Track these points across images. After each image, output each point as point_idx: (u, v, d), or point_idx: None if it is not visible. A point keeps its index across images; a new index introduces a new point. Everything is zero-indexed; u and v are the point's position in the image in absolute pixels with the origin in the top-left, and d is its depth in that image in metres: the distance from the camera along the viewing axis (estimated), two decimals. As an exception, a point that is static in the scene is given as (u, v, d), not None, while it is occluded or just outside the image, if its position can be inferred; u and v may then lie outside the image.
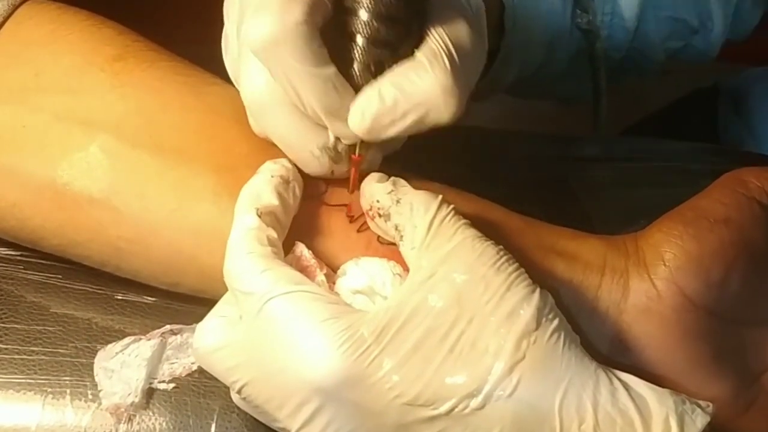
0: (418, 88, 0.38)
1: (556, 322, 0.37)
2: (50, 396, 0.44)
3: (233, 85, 0.45)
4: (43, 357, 0.45)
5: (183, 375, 0.44)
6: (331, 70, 0.38)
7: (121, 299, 0.47)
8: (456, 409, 0.35)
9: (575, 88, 0.67)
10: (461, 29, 0.40)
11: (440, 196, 0.39)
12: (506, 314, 0.36)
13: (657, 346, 0.41)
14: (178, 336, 0.44)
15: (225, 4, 0.42)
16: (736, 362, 0.41)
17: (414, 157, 0.44)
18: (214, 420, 0.44)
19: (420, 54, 0.39)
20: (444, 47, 0.39)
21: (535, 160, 0.55)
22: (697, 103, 0.84)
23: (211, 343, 0.38)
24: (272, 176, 0.41)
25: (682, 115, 0.86)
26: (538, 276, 0.41)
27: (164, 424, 0.44)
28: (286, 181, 0.41)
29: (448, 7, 0.41)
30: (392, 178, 0.41)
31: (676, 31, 0.66)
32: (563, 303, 0.41)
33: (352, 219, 0.43)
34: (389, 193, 0.40)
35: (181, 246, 0.43)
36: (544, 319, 0.36)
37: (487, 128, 0.60)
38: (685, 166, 0.56)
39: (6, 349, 0.45)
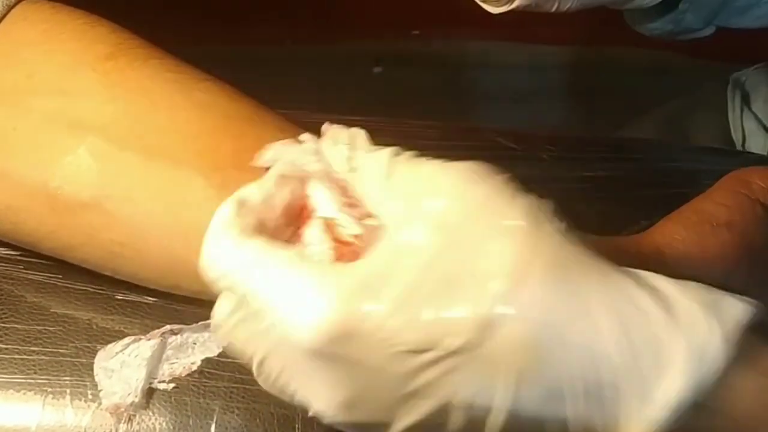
0: None
1: (555, 224, 0.34)
2: (50, 396, 0.44)
3: (225, 82, 0.45)
4: (43, 357, 0.45)
5: (183, 375, 0.44)
6: None
7: (122, 299, 0.47)
8: (464, 344, 0.31)
9: None
10: None
11: (391, 148, 0.37)
12: (500, 231, 0.33)
13: None
14: (178, 336, 0.44)
15: None
16: None
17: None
18: (214, 420, 0.44)
19: None
20: None
21: (535, 160, 0.55)
22: (701, 101, 0.84)
23: (224, 314, 0.36)
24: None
25: (684, 114, 0.86)
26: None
27: (164, 424, 0.44)
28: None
29: None
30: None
31: None
32: None
33: None
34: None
35: (174, 249, 0.43)
36: (543, 225, 0.33)
37: (488, 128, 0.60)
38: (686, 167, 0.56)
39: (6, 349, 0.45)
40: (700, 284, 0.34)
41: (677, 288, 0.33)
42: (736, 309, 0.33)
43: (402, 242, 0.33)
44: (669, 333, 0.32)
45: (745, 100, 0.81)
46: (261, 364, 0.35)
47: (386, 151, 0.37)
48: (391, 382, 0.32)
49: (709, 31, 0.64)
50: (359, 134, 0.39)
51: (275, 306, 0.33)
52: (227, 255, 0.36)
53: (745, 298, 0.33)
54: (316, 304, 0.32)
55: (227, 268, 0.35)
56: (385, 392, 0.33)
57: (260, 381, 0.37)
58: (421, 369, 0.32)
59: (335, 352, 0.32)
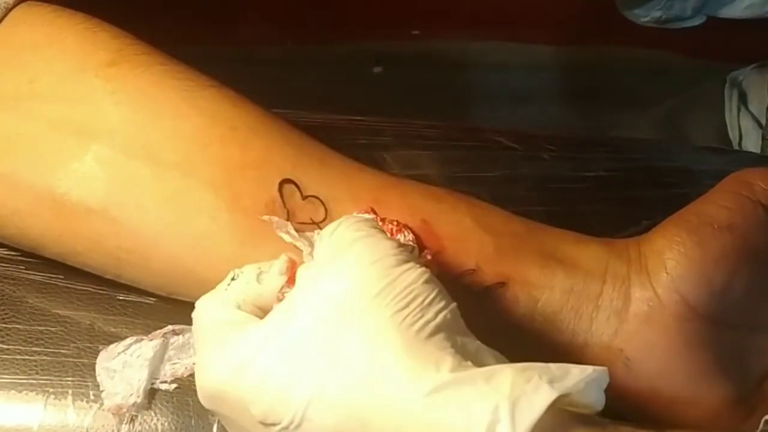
0: None
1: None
2: (52, 396, 0.44)
3: (229, 88, 0.45)
4: (45, 357, 0.45)
5: (185, 375, 0.44)
6: None
7: (123, 300, 0.47)
8: (288, 423, 0.34)
9: None
10: None
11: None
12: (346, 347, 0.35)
13: (659, 355, 0.40)
14: (180, 336, 0.44)
15: None
16: (738, 369, 0.41)
17: (416, 157, 0.44)
18: (216, 420, 0.44)
19: None
20: None
21: (536, 160, 0.55)
22: (701, 101, 0.84)
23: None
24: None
25: (684, 114, 0.86)
26: (538, 285, 0.41)
27: (166, 424, 0.44)
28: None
29: None
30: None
31: None
32: (564, 310, 0.41)
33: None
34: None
35: (180, 258, 0.43)
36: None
37: (488, 128, 0.60)
38: (686, 166, 0.56)
39: (8, 349, 0.45)
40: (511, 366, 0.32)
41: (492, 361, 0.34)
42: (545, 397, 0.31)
43: (282, 321, 0.35)
44: None
45: (742, 100, 0.81)
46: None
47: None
48: None
49: (698, 20, 0.64)
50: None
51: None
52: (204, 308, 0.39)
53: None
54: (205, 368, 0.36)
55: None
56: None
57: None
58: None
59: (216, 410, 0.37)
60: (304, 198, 0.43)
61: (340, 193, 0.44)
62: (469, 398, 0.31)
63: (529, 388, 0.31)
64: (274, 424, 0.34)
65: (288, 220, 0.42)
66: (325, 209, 0.43)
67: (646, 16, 0.64)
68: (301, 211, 0.43)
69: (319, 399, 0.33)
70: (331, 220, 0.41)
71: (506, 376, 0.31)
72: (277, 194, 0.43)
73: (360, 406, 0.33)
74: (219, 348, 0.36)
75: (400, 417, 0.32)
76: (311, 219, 0.43)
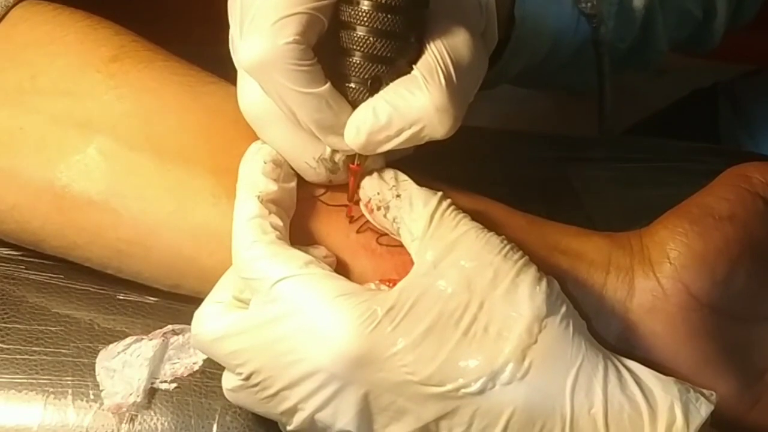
0: (412, 106, 0.38)
1: (564, 308, 0.37)
2: (52, 396, 0.44)
3: (231, 84, 0.45)
4: (44, 357, 0.45)
5: (185, 375, 0.44)
6: (325, 88, 0.38)
7: (123, 299, 0.47)
8: (468, 389, 0.36)
9: (580, 78, 0.66)
10: (461, 41, 0.40)
11: (440, 192, 0.40)
12: (517, 300, 0.37)
13: (663, 345, 0.41)
14: (180, 336, 0.44)
15: (228, 5, 0.43)
16: (741, 359, 0.41)
17: (415, 156, 0.44)
18: (216, 420, 0.44)
19: (417, 70, 0.39)
20: (441, 62, 0.39)
21: (536, 160, 0.55)
22: (697, 103, 0.85)
23: (212, 328, 0.38)
24: (264, 162, 0.41)
25: (682, 115, 0.86)
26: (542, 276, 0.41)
27: (166, 424, 0.44)
28: (278, 165, 0.41)
29: (449, 17, 0.40)
30: (393, 171, 0.42)
31: (682, 22, 0.65)
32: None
33: (351, 219, 0.43)
34: (390, 188, 0.41)
35: (181, 248, 0.43)
36: (553, 305, 0.37)
37: (488, 128, 0.60)
38: (685, 166, 0.56)
39: (8, 349, 0.45)
40: (677, 381, 0.38)
41: (659, 383, 0.37)
42: (705, 407, 0.37)
43: (431, 287, 0.37)
44: (649, 421, 0.36)
45: (735, 112, 0.81)
46: (251, 376, 0.38)
47: (434, 196, 0.40)
48: (398, 406, 0.37)
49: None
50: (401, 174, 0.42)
51: (304, 320, 0.37)
52: (259, 263, 0.38)
53: (709, 394, 0.38)
54: (346, 323, 0.36)
55: (259, 276, 0.38)
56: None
57: (232, 398, 0.40)
58: (427, 402, 0.36)
59: (357, 371, 0.36)
60: None
61: None
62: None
63: (692, 398, 0.37)
64: (437, 386, 0.36)
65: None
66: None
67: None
68: (302, 189, 0.43)
69: None
70: (333, 194, 0.43)
71: (672, 383, 0.37)
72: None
73: None
74: (350, 306, 0.37)
75: None
76: (312, 194, 0.43)
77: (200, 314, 0.39)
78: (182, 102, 0.45)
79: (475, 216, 0.43)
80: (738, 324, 0.41)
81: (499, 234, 0.39)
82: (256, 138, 0.43)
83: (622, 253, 0.42)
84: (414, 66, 0.39)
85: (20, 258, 0.49)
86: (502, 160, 0.54)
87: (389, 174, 0.41)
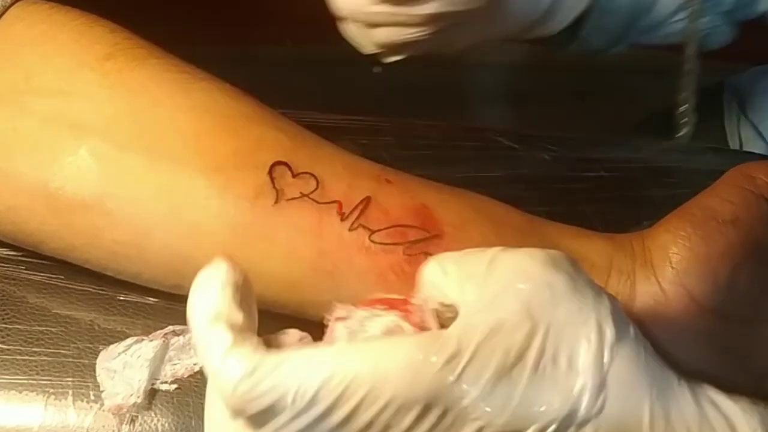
0: None
1: (632, 330, 0.34)
2: (52, 397, 0.44)
3: (223, 81, 0.45)
4: (45, 358, 0.45)
5: (185, 376, 0.44)
6: None
7: (123, 300, 0.47)
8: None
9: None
10: None
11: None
12: (583, 322, 0.33)
13: (664, 350, 0.40)
14: (181, 337, 0.44)
15: None
16: (743, 363, 0.41)
17: (416, 157, 0.44)
18: (217, 420, 0.44)
19: None
20: None
21: (537, 160, 0.55)
22: (701, 102, 0.84)
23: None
24: (225, 288, 0.36)
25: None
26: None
27: (166, 425, 0.44)
28: (239, 288, 0.36)
29: None
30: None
31: None
32: None
33: (343, 216, 0.42)
34: (446, 305, 0.36)
35: (176, 248, 0.43)
36: (621, 326, 0.34)
37: (488, 128, 0.60)
38: (686, 167, 0.56)
39: (8, 349, 0.45)
40: (755, 402, 0.35)
41: (736, 405, 0.34)
42: None
43: (491, 320, 0.33)
44: None
45: (742, 107, 0.80)
46: None
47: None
48: None
49: (619, 48, 0.65)
50: None
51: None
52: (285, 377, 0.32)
53: None
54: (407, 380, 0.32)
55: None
56: None
57: None
58: None
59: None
60: (295, 175, 0.43)
61: (337, 169, 0.44)
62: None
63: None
64: None
65: (277, 201, 0.42)
66: (317, 182, 0.43)
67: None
68: (290, 188, 0.42)
69: None
70: (323, 191, 0.41)
71: (751, 405, 0.35)
72: (267, 177, 0.42)
73: None
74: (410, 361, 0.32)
75: None
76: (301, 192, 0.42)
77: (232, 360, 0.33)
78: (174, 100, 0.45)
79: (475, 216, 0.43)
80: (739, 327, 0.41)
81: (499, 237, 0.39)
82: (246, 134, 0.43)
83: (623, 255, 0.42)
84: None
85: (20, 258, 0.49)
86: (501, 159, 0.54)
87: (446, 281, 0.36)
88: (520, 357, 0.32)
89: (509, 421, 0.32)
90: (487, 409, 0.32)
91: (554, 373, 0.33)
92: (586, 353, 0.33)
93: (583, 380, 0.33)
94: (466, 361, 0.32)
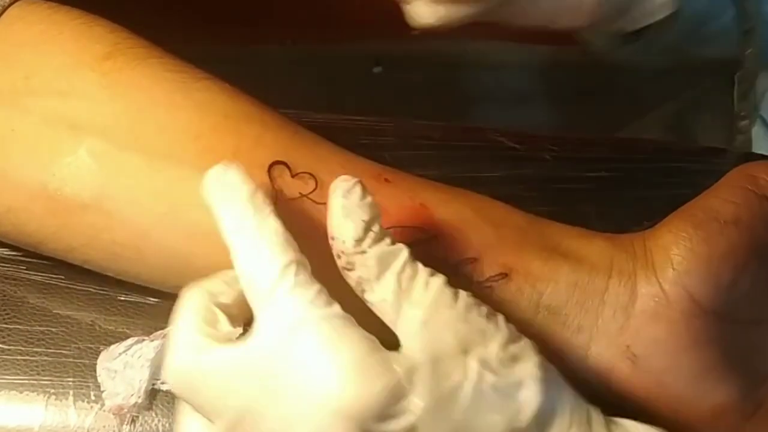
0: None
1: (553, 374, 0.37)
2: (53, 397, 0.44)
3: (223, 81, 0.45)
4: (45, 358, 0.45)
5: (186, 376, 0.44)
6: None
7: (124, 300, 0.47)
8: None
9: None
10: None
11: (405, 251, 0.37)
12: (511, 358, 0.36)
13: (665, 352, 0.40)
14: (182, 337, 0.44)
15: None
16: (744, 364, 0.41)
17: (416, 157, 0.44)
18: (217, 421, 0.44)
19: None
20: None
21: (537, 161, 0.55)
22: (705, 102, 0.84)
23: (193, 363, 0.36)
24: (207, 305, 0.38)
25: (685, 114, 0.86)
26: (542, 278, 0.41)
27: (167, 425, 0.44)
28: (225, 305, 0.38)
29: None
30: (367, 211, 0.38)
31: None
32: (569, 304, 0.41)
33: None
34: (356, 239, 0.37)
35: (176, 249, 0.43)
36: (549, 369, 0.37)
37: (489, 128, 0.60)
38: (687, 167, 0.56)
39: (9, 350, 0.45)
40: None
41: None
42: None
43: (433, 350, 0.35)
44: None
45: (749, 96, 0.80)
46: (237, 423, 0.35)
47: (398, 261, 0.37)
48: None
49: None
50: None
51: (325, 366, 0.34)
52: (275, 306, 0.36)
53: None
54: (369, 379, 0.34)
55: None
56: None
57: None
58: None
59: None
60: (294, 175, 0.43)
61: (336, 168, 0.43)
62: None
63: None
64: None
65: (276, 201, 0.42)
66: (316, 182, 0.43)
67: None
68: (289, 188, 0.43)
69: None
70: (322, 192, 0.41)
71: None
72: (266, 177, 0.42)
73: None
74: (373, 362, 0.34)
75: None
76: (300, 192, 0.42)
77: (179, 345, 0.37)
78: (173, 99, 0.45)
79: (475, 216, 0.43)
80: (741, 328, 0.41)
81: (500, 237, 0.39)
82: (246, 134, 0.43)
83: (624, 257, 0.42)
84: None
85: (21, 258, 0.49)
86: (502, 159, 0.54)
87: (360, 214, 0.37)
88: (460, 384, 0.35)
89: None
90: (432, 426, 0.34)
91: (495, 398, 0.35)
92: (519, 384, 0.35)
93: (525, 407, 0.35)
94: (418, 379, 0.34)
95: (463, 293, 0.37)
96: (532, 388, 0.35)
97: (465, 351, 0.35)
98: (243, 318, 0.38)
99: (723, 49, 0.62)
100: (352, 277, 0.37)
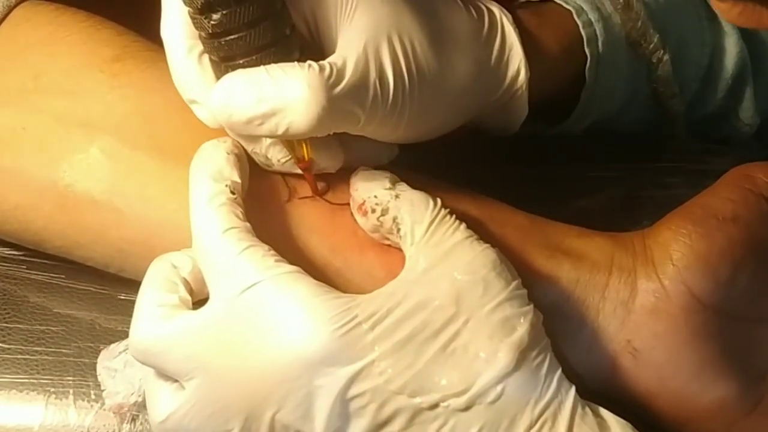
0: (277, 85, 0.37)
1: (544, 342, 0.37)
2: (53, 396, 0.44)
3: None
4: (46, 357, 0.45)
5: (186, 375, 0.44)
6: (192, 59, 0.40)
7: (124, 299, 0.47)
8: (439, 406, 0.36)
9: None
10: (417, 41, 0.41)
11: (438, 198, 0.40)
12: (502, 323, 0.36)
13: (665, 347, 0.41)
14: (182, 336, 0.44)
15: None
16: (743, 360, 0.41)
17: (417, 156, 0.45)
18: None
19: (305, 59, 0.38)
20: (340, 59, 0.38)
21: (536, 160, 0.55)
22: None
23: (161, 331, 0.37)
24: (228, 153, 0.41)
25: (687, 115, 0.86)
26: (545, 276, 0.41)
27: (167, 423, 0.44)
28: (240, 158, 0.41)
29: (404, 17, 0.41)
30: (388, 173, 0.41)
31: None
32: (570, 301, 0.41)
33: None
34: (387, 189, 0.40)
35: (184, 246, 0.43)
36: (534, 340, 0.37)
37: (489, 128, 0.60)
38: (686, 167, 0.56)
39: (9, 349, 0.45)
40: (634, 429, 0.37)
41: (618, 425, 0.37)
42: None
43: (418, 296, 0.36)
44: None
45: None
46: (200, 383, 0.37)
47: (433, 200, 0.39)
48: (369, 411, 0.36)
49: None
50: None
51: (279, 320, 0.36)
52: (232, 257, 0.37)
53: None
54: (324, 325, 0.35)
55: (231, 271, 0.37)
56: None
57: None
58: (397, 410, 0.35)
59: (320, 378, 0.35)
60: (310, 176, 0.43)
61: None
62: None
63: None
64: (410, 396, 0.36)
65: (289, 199, 0.43)
66: (327, 185, 0.43)
67: None
68: (303, 187, 0.43)
69: None
70: (335, 193, 0.42)
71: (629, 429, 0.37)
72: (279, 174, 0.43)
73: None
74: (329, 308, 0.36)
75: None
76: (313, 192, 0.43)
77: (142, 317, 0.38)
78: (184, 101, 0.45)
79: (477, 216, 0.43)
80: (740, 325, 0.41)
81: (502, 236, 0.39)
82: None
83: (624, 254, 0.42)
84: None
85: (22, 258, 0.49)
86: (502, 160, 0.54)
87: (383, 175, 0.41)
88: (435, 334, 0.36)
89: (407, 384, 0.35)
90: (389, 369, 0.35)
91: (462, 357, 0.36)
92: (496, 349, 0.36)
93: (486, 370, 0.35)
94: (384, 320, 0.36)
95: (489, 250, 0.38)
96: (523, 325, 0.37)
97: (457, 304, 0.36)
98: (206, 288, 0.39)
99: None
100: (387, 220, 0.39)
